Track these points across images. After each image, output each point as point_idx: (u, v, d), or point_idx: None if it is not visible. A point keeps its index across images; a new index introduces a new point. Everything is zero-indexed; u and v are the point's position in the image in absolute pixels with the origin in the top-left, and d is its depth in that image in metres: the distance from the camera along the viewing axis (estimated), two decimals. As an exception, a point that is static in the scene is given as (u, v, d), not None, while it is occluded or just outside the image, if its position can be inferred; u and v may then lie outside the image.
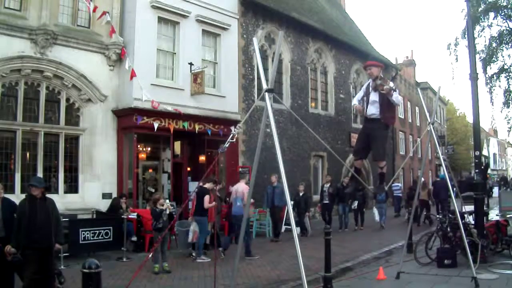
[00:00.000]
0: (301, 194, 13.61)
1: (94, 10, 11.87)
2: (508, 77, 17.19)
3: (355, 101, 6.01)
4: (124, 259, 9.33)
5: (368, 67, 5.90)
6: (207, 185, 9.83)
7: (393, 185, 17.79)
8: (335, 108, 20.00)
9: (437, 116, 36.92)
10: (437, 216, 9.46)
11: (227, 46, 14.73)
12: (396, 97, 5.54)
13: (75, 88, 11.64)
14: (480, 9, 16.05)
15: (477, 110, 9.19)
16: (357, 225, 14.87)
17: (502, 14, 16.16)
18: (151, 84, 12.37)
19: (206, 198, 9.46)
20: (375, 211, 15.37)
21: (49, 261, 5.86)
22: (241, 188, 10.77)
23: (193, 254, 9.66)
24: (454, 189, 9.17)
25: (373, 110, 5.64)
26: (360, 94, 5.94)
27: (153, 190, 13.09)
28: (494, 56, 16.75)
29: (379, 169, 6.03)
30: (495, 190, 28.19)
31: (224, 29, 14.58)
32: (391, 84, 5.59)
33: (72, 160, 11.69)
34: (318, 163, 18.96)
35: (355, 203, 14.72)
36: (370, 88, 5.73)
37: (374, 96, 5.62)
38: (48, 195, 6.18)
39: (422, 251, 8.91)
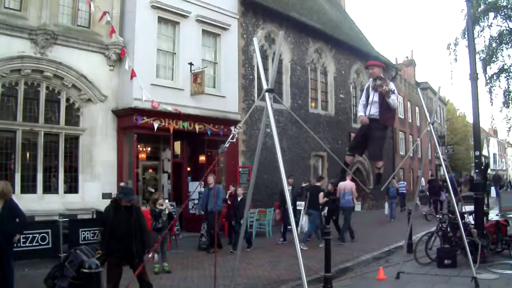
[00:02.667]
0: (239, 198, 11.18)
1: (102, 14, 11.87)
2: (508, 77, 17.15)
3: (361, 111, 5.91)
4: (124, 259, 9.31)
5: (370, 67, 5.90)
6: (318, 184, 11.84)
7: (399, 183, 20.48)
8: (335, 108, 20.00)
9: (437, 116, 36.92)
10: (437, 216, 9.45)
11: (227, 46, 14.73)
12: (393, 99, 5.53)
13: (75, 88, 11.64)
14: (480, 9, 16.02)
15: (477, 110, 9.18)
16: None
17: (502, 14, 16.13)
18: (151, 84, 12.37)
19: (321, 194, 11.32)
20: (386, 205, 17.78)
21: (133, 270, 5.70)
22: (350, 185, 12.19)
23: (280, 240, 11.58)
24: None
25: (373, 110, 5.64)
26: (363, 97, 5.93)
27: (153, 190, 13.09)
28: (494, 56, 16.71)
29: (376, 170, 6.03)
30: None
31: (224, 29, 14.58)
32: (391, 85, 5.58)
33: (72, 160, 11.70)
34: (318, 163, 18.96)
35: (325, 210, 12.63)
36: (371, 88, 5.74)
37: (374, 97, 5.63)
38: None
39: (422, 251, 8.90)
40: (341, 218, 12.49)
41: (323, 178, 13.03)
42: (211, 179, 10.99)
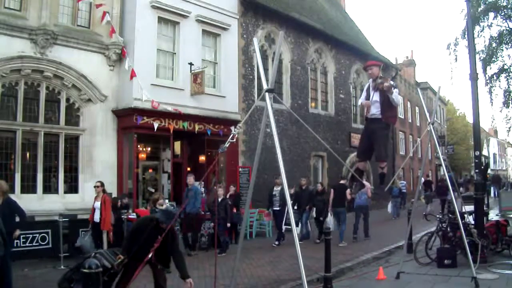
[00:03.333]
0: (219, 199, 10.82)
1: (97, 7, 11.87)
2: (508, 77, 17.17)
3: (361, 100, 5.98)
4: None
5: (369, 67, 5.87)
6: (343, 182, 12.25)
7: (399, 182, 21.67)
8: (335, 108, 20.00)
9: (437, 116, 36.88)
10: (437, 216, 9.45)
11: (227, 46, 14.73)
12: (396, 96, 5.52)
13: (75, 88, 11.64)
14: (480, 9, 16.03)
15: (477, 110, 9.18)
16: (321, 237, 11.42)
17: (502, 14, 16.15)
18: (151, 84, 12.37)
19: (348, 191, 11.44)
20: (390, 204, 18.36)
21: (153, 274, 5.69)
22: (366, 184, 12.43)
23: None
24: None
25: (374, 110, 5.63)
26: (363, 95, 5.93)
27: (153, 190, 13.09)
28: (494, 56, 16.73)
29: (380, 169, 6.02)
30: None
31: (224, 29, 14.58)
32: (392, 82, 5.58)
33: (72, 160, 11.69)
34: (318, 163, 18.96)
35: (313, 210, 12.26)
36: (371, 89, 5.73)
37: (375, 96, 5.62)
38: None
39: (422, 251, 8.90)
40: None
41: (345, 178, 13.61)
42: (191, 179, 10.59)
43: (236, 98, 14.94)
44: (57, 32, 11.15)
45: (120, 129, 12.39)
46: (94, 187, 9.24)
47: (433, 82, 59.44)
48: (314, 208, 12.22)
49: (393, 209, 18.31)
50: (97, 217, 8.90)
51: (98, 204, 8.91)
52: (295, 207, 12.51)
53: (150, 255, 5.15)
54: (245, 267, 8.75)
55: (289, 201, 4.26)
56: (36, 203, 10.51)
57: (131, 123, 11.95)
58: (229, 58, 14.78)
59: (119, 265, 5.31)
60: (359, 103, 6.14)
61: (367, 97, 5.77)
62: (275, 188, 12.17)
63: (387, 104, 5.56)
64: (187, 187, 10.77)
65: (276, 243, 11.56)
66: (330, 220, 11.94)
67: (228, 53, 14.73)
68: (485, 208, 9.73)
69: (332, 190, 12.22)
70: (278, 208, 12.04)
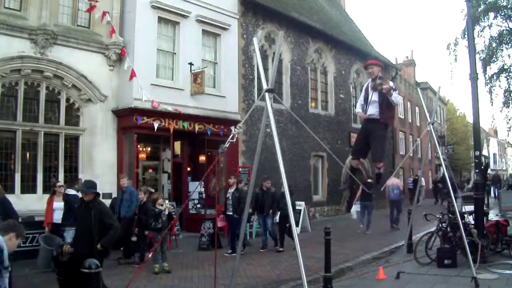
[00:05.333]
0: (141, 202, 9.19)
1: (89, 10, 11.86)
2: (508, 77, 17.21)
3: (358, 108, 5.98)
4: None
5: (370, 66, 5.85)
6: (370, 180, 13.00)
7: (408, 179, 24.22)
8: (335, 108, 19.99)
9: (437, 116, 36.89)
10: (437, 216, 9.45)
11: (227, 46, 14.73)
12: (395, 97, 5.52)
13: (75, 88, 11.64)
14: (480, 9, 16.06)
15: (477, 110, 9.18)
16: (277, 244, 10.63)
17: (502, 14, 16.18)
18: (151, 84, 12.37)
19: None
20: None
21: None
22: (395, 181, 14.68)
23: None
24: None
25: (372, 110, 5.61)
26: (362, 96, 5.93)
27: (153, 190, 13.05)
28: (494, 56, 16.76)
29: (376, 170, 6.03)
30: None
31: (224, 29, 14.58)
32: (391, 83, 5.57)
33: (72, 160, 11.69)
34: (318, 163, 18.95)
35: (277, 215, 10.93)
36: (370, 88, 5.72)
37: (373, 96, 5.61)
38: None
39: (422, 251, 8.90)
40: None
41: (371, 177, 14.32)
42: (124, 181, 9.71)
43: (236, 98, 14.93)
44: (57, 32, 11.15)
45: (120, 129, 12.39)
46: (58, 186, 8.70)
47: (433, 82, 59.52)
48: (279, 213, 10.81)
49: None
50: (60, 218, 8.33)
51: (62, 204, 8.36)
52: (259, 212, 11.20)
53: (150, 255, 5.15)
54: (245, 267, 8.74)
55: (289, 202, 4.26)
56: (36, 203, 10.49)
57: (131, 123, 11.95)
58: (229, 58, 14.78)
59: (61, 252, 5.24)
60: (356, 109, 6.14)
61: (366, 97, 5.76)
62: (229, 190, 10.58)
63: (386, 105, 5.55)
64: (121, 189, 9.82)
65: (229, 252, 9.94)
66: (354, 211, 14.09)
67: (228, 53, 14.73)
68: (485, 208, 9.73)
69: (360, 187, 13.37)
70: (230, 213, 10.29)
